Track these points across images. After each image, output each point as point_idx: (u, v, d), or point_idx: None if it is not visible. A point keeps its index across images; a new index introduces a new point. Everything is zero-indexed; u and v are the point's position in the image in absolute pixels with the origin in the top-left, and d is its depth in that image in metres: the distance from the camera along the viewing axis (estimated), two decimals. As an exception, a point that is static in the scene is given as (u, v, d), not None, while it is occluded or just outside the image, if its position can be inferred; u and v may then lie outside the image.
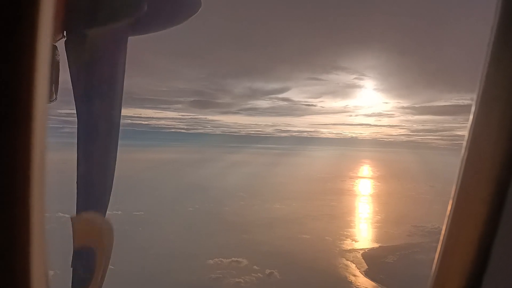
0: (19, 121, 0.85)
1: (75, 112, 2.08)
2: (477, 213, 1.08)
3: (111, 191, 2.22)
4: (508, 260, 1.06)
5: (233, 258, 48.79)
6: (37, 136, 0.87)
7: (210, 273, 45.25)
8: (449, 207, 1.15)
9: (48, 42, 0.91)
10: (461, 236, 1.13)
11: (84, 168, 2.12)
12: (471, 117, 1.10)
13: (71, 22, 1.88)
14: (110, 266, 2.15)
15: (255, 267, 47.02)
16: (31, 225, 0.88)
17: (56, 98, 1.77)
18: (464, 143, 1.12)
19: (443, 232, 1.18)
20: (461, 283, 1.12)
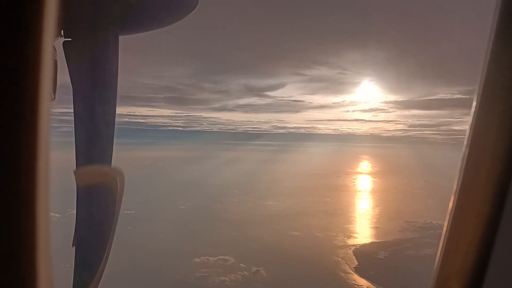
0: (25, 121, 0.85)
1: (73, 111, 2.08)
2: (478, 210, 1.09)
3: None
4: (509, 258, 1.07)
5: (220, 256, 48.36)
6: (42, 136, 0.87)
7: (196, 272, 44.81)
8: (450, 205, 1.15)
9: (51, 42, 0.91)
10: (463, 233, 1.14)
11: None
12: (471, 114, 1.10)
13: (68, 22, 1.89)
14: None
15: (241, 265, 46.64)
16: (37, 225, 0.88)
17: (54, 98, 1.79)
18: (465, 140, 1.12)
19: (444, 229, 1.18)
20: (463, 280, 1.12)
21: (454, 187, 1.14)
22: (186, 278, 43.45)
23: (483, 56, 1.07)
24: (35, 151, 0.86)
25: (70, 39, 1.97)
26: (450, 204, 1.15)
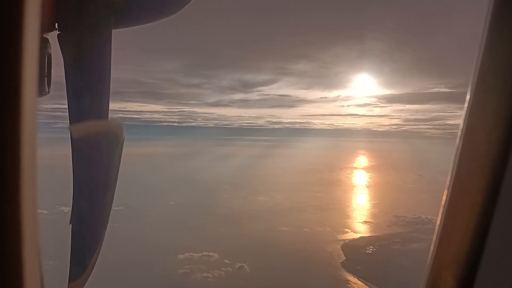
0: (7, 116, 0.83)
1: (67, 105, 2.03)
2: (472, 202, 1.09)
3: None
4: (503, 249, 1.07)
5: (204, 253, 48.01)
6: (26, 132, 0.85)
7: (179, 268, 44.39)
8: (444, 197, 1.16)
9: (35, 35, 0.88)
10: (457, 224, 1.14)
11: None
12: (465, 106, 1.10)
13: (63, 14, 1.88)
14: None
15: (226, 261, 46.34)
16: (23, 222, 0.87)
17: (48, 92, 1.78)
18: (459, 132, 1.12)
19: (438, 221, 1.18)
20: (457, 271, 1.13)
21: (448, 178, 1.13)
22: (169, 274, 42.98)
23: (476, 49, 1.05)
24: (19, 147, 0.84)
25: (65, 33, 1.93)
26: (444, 195, 1.14)
